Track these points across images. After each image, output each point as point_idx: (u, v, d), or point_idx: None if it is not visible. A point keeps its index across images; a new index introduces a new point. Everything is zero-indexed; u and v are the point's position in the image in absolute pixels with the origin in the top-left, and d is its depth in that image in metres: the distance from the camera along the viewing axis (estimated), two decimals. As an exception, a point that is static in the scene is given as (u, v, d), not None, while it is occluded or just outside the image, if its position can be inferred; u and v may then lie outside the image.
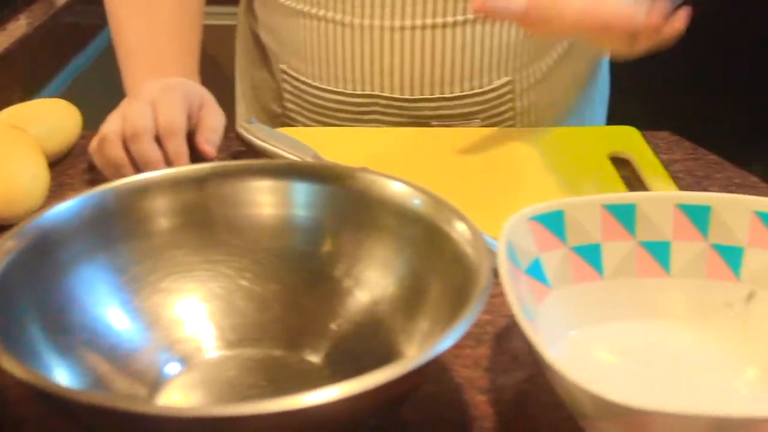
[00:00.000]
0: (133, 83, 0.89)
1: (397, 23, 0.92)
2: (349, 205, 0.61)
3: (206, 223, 0.61)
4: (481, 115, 0.97)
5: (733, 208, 0.63)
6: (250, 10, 1.06)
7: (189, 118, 0.82)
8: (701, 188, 0.83)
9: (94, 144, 0.81)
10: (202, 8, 0.97)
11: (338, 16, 0.93)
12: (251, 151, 0.86)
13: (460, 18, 0.92)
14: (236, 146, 0.89)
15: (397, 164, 0.82)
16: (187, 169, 0.62)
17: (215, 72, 1.26)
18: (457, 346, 0.61)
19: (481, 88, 0.96)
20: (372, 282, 0.59)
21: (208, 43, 1.45)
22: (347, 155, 0.83)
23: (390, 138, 0.91)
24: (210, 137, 0.81)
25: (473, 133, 0.92)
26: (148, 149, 0.78)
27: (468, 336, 0.62)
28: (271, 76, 1.04)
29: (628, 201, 0.63)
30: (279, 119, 1.05)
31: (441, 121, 0.97)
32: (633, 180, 0.83)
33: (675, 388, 0.58)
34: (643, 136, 0.92)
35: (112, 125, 0.80)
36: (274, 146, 0.85)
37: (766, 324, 0.61)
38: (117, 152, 0.78)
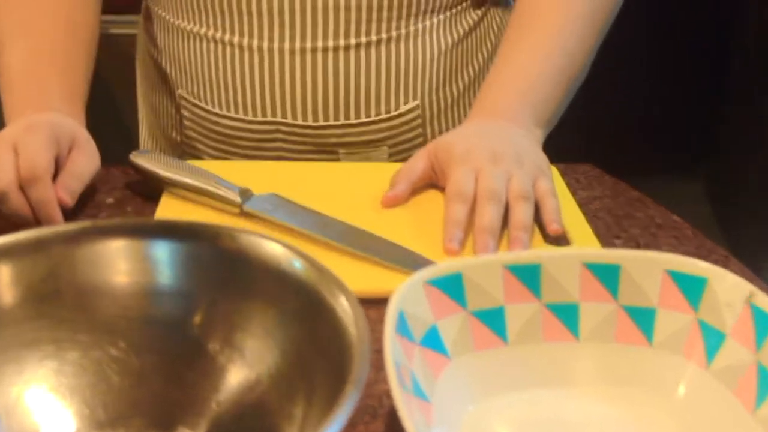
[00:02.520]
0: (12, 117, 0.84)
1: (297, 45, 0.89)
2: (221, 268, 0.58)
3: (58, 293, 0.58)
4: (389, 142, 0.95)
5: (644, 267, 0.61)
6: (147, 31, 1.01)
7: (58, 160, 0.78)
8: (621, 229, 0.81)
9: None
10: (94, 31, 0.94)
11: (235, 39, 0.90)
12: (146, 179, 0.84)
13: (363, 39, 0.90)
14: (132, 176, 0.86)
15: (306, 201, 0.80)
16: (27, 234, 0.57)
17: (123, 87, 1.20)
18: (350, 423, 0.57)
19: (388, 113, 0.94)
20: (251, 355, 0.56)
21: (116, 53, 1.39)
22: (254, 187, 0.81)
23: (299, 172, 0.88)
24: (69, 183, 0.78)
25: (383, 168, 0.89)
26: (15, 203, 0.73)
27: (362, 410, 0.59)
28: (171, 101, 1.01)
29: (531, 261, 0.60)
30: (179, 147, 1.02)
31: (348, 149, 0.94)
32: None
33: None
34: (562, 171, 0.89)
35: None
36: (173, 173, 0.81)
37: (688, 396, 0.58)
38: None
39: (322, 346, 0.52)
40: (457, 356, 0.59)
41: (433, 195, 0.84)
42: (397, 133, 0.96)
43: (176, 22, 0.94)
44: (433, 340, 0.58)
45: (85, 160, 0.81)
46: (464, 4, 0.97)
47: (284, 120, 0.93)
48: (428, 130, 0.98)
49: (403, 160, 0.96)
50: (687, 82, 2.78)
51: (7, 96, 0.87)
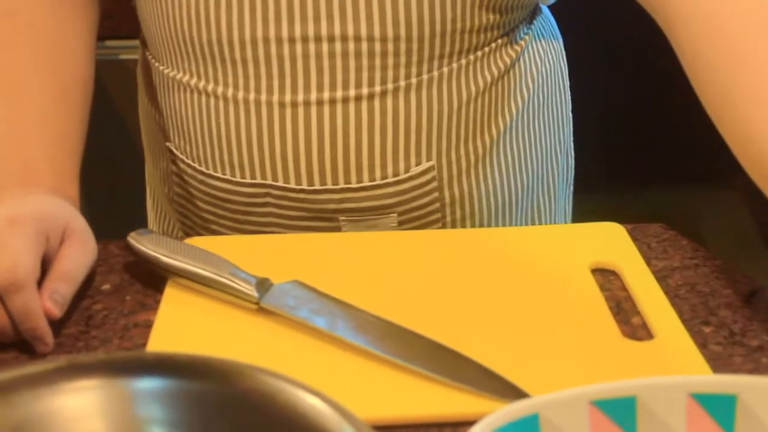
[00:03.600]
0: None
1: (287, 98, 0.78)
2: (232, 424, 0.46)
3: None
4: (399, 209, 0.83)
5: (766, 396, 0.48)
6: (143, 73, 0.90)
7: (47, 256, 0.68)
8: (708, 311, 0.69)
9: None
10: (88, 89, 0.83)
11: (219, 89, 0.79)
12: (145, 262, 0.72)
13: (365, 90, 0.78)
14: (127, 256, 0.75)
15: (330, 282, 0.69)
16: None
17: (132, 114, 1.07)
18: None
19: (397, 176, 0.81)
20: None
21: (125, 80, 1.26)
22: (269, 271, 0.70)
23: (314, 245, 0.78)
24: (58, 288, 0.67)
25: (402, 238, 0.79)
26: None
27: None
28: (162, 153, 0.91)
29: (624, 394, 0.49)
30: (171, 205, 0.92)
31: (349, 216, 0.82)
32: (623, 307, 0.69)
33: None
34: (629, 233, 0.77)
35: None
36: (179, 261, 0.69)
37: None
38: None
39: None
40: None
41: (490, 282, 0.72)
42: (408, 199, 0.83)
43: (161, 68, 0.84)
44: (505, 505, 0.46)
45: (79, 256, 0.70)
46: (496, 43, 0.82)
47: (274, 183, 0.81)
48: (446, 194, 0.84)
49: (416, 228, 0.84)
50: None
51: None
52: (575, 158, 1.00)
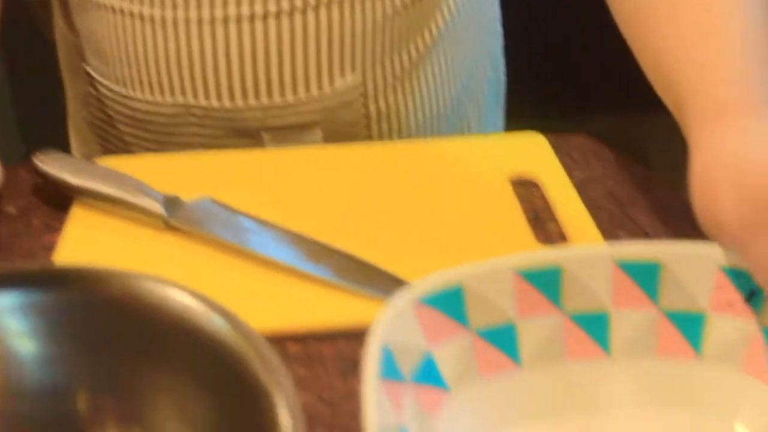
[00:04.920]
0: None
1: (205, 14, 0.76)
2: (103, 331, 0.45)
3: None
4: (324, 124, 0.82)
5: (691, 264, 0.50)
6: None
7: None
8: (625, 218, 0.70)
9: None
10: None
11: (135, 8, 0.77)
12: (52, 184, 0.70)
13: (285, 6, 0.76)
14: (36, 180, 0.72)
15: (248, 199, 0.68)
16: None
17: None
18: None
19: (320, 90, 0.79)
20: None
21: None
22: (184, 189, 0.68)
23: (236, 162, 0.76)
24: None
25: (322, 153, 0.77)
26: None
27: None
28: (78, 77, 0.88)
29: (550, 264, 0.50)
30: (91, 129, 0.89)
31: (273, 133, 0.81)
32: (540, 217, 0.69)
33: None
34: (552, 145, 0.76)
35: None
36: (84, 180, 0.67)
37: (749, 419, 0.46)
38: None
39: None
40: (459, 388, 0.47)
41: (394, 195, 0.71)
42: (333, 115, 0.83)
43: None
44: (429, 374, 0.45)
45: None
46: None
47: (196, 102, 0.80)
48: (371, 109, 0.84)
49: (342, 141, 0.83)
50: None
51: None
52: (512, 79, 1.00)
